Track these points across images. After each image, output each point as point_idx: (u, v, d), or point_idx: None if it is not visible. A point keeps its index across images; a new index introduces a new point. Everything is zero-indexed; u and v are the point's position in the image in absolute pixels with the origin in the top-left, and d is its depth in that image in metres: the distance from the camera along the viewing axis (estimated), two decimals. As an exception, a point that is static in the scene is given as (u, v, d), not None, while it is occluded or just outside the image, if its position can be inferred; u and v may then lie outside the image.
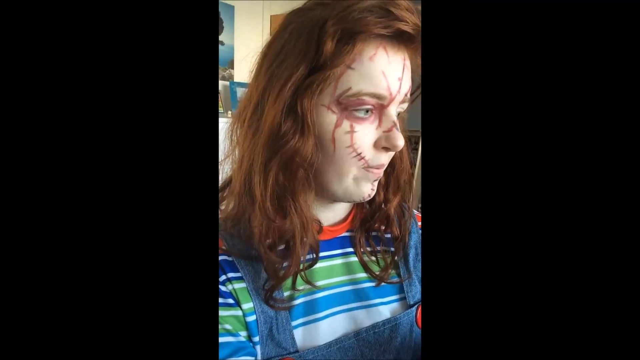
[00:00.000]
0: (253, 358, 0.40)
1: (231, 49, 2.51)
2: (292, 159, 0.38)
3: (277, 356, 0.41)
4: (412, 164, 0.50)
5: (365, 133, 0.38)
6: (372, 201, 0.48)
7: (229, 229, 0.45)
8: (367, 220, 0.49)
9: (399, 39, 0.37)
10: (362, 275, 0.48)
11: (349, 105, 0.37)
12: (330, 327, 0.44)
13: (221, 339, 0.39)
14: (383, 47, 0.36)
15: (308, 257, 0.43)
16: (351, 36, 0.35)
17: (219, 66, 2.44)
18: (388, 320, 0.46)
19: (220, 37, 2.44)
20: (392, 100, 0.38)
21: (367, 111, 0.38)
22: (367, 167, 0.40)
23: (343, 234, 0.49)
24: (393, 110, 0.39)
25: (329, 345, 0.43)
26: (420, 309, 0.49)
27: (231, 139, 0.44)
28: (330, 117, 0.37)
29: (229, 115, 2.36)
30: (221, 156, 0.44)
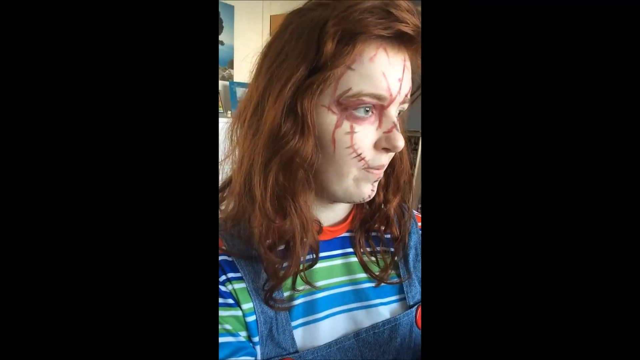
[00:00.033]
0: (253, 358, 0.40)
1: (231, 49, 2.52)
2: (292, 159, 0.38)
3: (276, 356, 0.41)
4: (412, 165, 0.50)
5: (365, 134, 0.38)
6: (372, 202, 0.48)
7: (229, 229, 0.45)
8: (367, 221, 0.49)
9: (400, 40, 0.37)
10: (362, 275, 0.48)
11: (349, 106, 0.37)
12: (330, 327, 0.44)
13: (221, 339, 0.39)
14: (383, 48, 0.36)
15: (308, 257, 0.43)
16: (351, 37, 0.35)
17: (219, 66, 2.44)
18: (388, 321, 0.46)
19: (220, 37, 2.44)
20: (392, 101, 0.38)
21: (367, 111, 0.38)
22: (367, 168, 0.40)
23: (343, 235, 0.49)
24: (393, 111, 0.39)
25: (329, 345, 0.43)
26: (420, 309, 0.49)
27: (231, 139, 0.44)
28: (330, 118, 0.38)
29: (229, 115, 2.36)
30: (221, 156, 0.44)
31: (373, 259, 0.48)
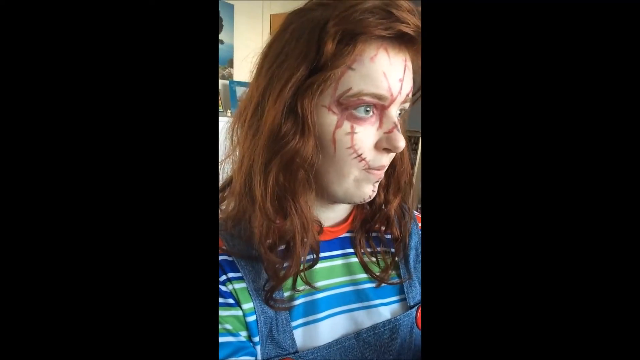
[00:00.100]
0: (253, 358, 0.40)
1: (230, 48, 2.51)
2: (293, 159, 0.38)
3: (277, 356, 0.41)
4: (412, 164, 0.50)
5: (366, 134, 0.38)
6: (372, 202, 0.48)
7: (230, 229, 0.44)
8: (368, 221, 0.49)
9: (400, 40, 0.37)
10: (363, 276, 0.48)
11: (350, 106, 0.37)
12: (330, 327, 0.44)
13: (221, 339, 0.39)
14: (384, 48, 0.36)
15: (308, 257, 0.43)
16: (352, 37, 0.35)
17: (219, 65, 2.44)
18: (388, 321, 0.46)
19: (220, 36, 2.44)
20: (392, 101, 0.38)
21: (367, 111, 0.38)
22: (368, 169, 0.40)
23: (343, 235, 0.49)
24: (394, 111, 0.39)
25: (329, 345, 0.43)
26: (420, 310, 0.49)
27: (232, 139, 0.44)
28: (330, 118, 0.37)
29: (229, 114, 2.36)
30: (221, 156, 0.44)
31: (373, 259, 0.48)
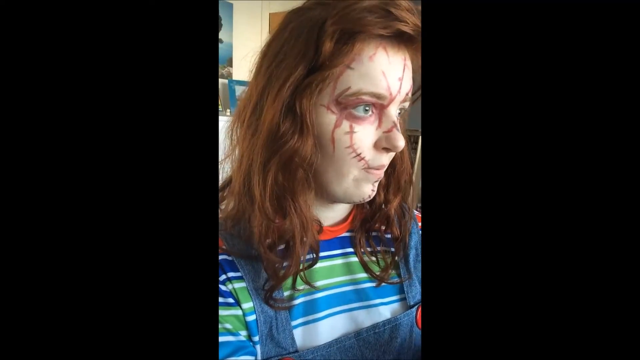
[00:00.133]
0: (253, 357, 0.40)
1: (230, 47, 2.51)
2: (291, 159, 0.38)
3: (276, 356, 0.41)
4: (412, 164, 0.50)
5: (365, 134, 0.38)
6: (372, 201, 0.47)
7: (229, 228, 0.44)
8: (368, 221, 0.49)
9: (400, 39, 0.37)
10: (363, 275, 0.48)
11: (348, 105, 0.37)
12: (330, 327, 0.44)
13: (221, 339, 0.39)
14: (383, 47, 0.36)
15: (308, 257, 0.43)
16: (350, 36, 0.35)
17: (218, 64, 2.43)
18: (388, 321, 0.46)
19: (219, 35, 2.44)
20: (392, 100, 0.38)
21: (366, 110, 0.38)
22: (368, 168, 0.40)
23: (343, 234, 0.49)
24: (393, 110, 0.39)
25: (329, 345, 0.43)
26: (420, 309, 0.49)
27: (231, 139, 0.44)
28: (329, 118, 0.37)
29: (228, 114, 2.35)
30: (221, 156, 0.44)
31: (373, 258, 0.48)
